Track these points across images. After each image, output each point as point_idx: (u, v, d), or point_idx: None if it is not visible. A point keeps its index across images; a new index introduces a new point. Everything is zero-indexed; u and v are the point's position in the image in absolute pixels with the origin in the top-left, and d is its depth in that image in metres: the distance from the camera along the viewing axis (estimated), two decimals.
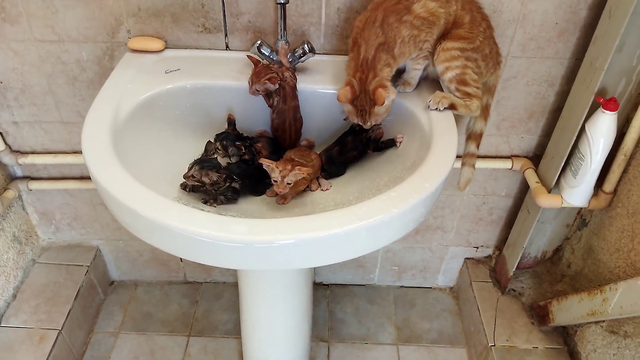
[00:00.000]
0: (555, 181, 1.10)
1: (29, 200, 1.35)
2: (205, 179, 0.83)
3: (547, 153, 1.13)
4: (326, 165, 0.95)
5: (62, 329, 1.29)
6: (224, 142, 0.90)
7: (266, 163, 0.83)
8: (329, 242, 0.69)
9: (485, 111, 1.00)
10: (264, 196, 0.93)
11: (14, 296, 1.35)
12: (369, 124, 0.87)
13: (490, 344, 1.29)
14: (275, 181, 0.83)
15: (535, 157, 1.21)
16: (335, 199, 0.90)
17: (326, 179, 0.95)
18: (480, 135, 1.02)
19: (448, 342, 1.46)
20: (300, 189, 0.90)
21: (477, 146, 1.02)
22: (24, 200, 1.35)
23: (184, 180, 0.84)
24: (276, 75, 0.89)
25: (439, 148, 0.81)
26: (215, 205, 0.86)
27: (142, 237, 0.75)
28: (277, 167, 0.82)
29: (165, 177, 0.88)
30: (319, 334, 1.47)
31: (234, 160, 0.92)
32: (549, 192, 1.11)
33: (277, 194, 0.92)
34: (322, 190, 0.93)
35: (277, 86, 0.89)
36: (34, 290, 1.37)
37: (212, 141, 0.91)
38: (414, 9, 0.85)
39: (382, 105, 0.83)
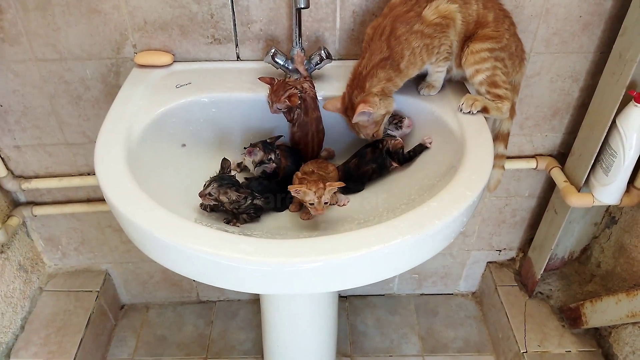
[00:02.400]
0: (584, 179, 1.06)
1: (34, 227, 1.29)
2: (224, 198, 0.78)
3: (574, 151, 1.09)
4: (343, 179, 0.89)
5: (74, 359, 1.23)
6: (268, 148, 0.85)
7: (295, 189, 0.78)
8: (368, 261, 0.64)
9: (511, 110, 0.95)
10: (286, 212, 0.88)
11: (22, 328, 1.29)
12: (362, 136, 0.87)
13: (522, 351, 1.24)
14: (312, 204, 0.77)
15: (560, 156, 1.17)
16: (364, 211, 0.85)
17: (343, 194, 0.90)
18: (508, 135, 0.98)
19: (475, 350, 1.41)
20: (311, 212, 0.85)
21: (505, 146, 0.98)
22: (28, 226, 1.29)
23: (200, 198, 0.79)
24: (295, 92, 0.84)
25: (475, 152, 0.76)
26: (238, 225, 0.81)
27: (166, 264, 0.70)
28: (309, 190, 0.77)
29: (182, 197, 0.83)
30: (341, 349, 1.42)
31: (256, 173, 0.87)
32: (579, 190, 1.07)
33: (300, 209, 0.88)
34: (338, 205, 0.88)
35: (298, 104, 0.85)
36: (43, 320, 1.31)
37: (227, 158, 0.86)
38: (425, 15, 0.81)
39: (353, 119, 0.82)
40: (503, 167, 1.00)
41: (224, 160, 0.83)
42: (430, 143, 0.86)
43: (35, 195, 1.22)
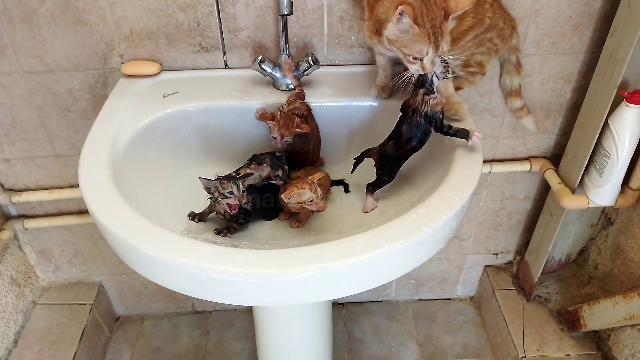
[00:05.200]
0: (578, 181, 1.05)
1: (26, 240, 1.28)
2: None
3: (568, 152, 1.08)
4: (379, 165, 0.82)
5: None
6: (277, 163, 0.83)
7: (289, 195, 0.76)
8: (356, 270, 0.63)
9: (518, 66, 0.99)
10: (274, 221, 0.86)
11: (15, 342, 1.27)
12: (440, 49, 0.71)
13: (521, 355, 1.23)
14: (311, 201, 0.77)
15: (554, 157, 1.16)
16: (355, 218, 0.84)
17: (378, 186, 0.84)
18: (519, 89, 1.02)
19: (474, 356, 1.40)
20: (313, 209, 0.84)
21: (521, 98, 1.03)
22: (20, 240, 1.28)
23: (238, 204, 0.76)
24: (300, 119, 0.84)
25: (464, 157, 0.75)
26: (229, 235, 0.80)
27: (153, 279, 0.68)
28: (303, 189, 0.76)
29: (170, 209, 0.82)
30: (339, 357, 1.40)
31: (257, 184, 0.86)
32: (573, 192, 1.06)
33: (289, 217, 0.86)
34: (365, 211, 0.85)
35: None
36: (37, 334, 1.30)
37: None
38: None
39: (456, 12, 0.70)
40: (529, 112, 1.06)
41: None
42: (472, 142, 0.76)
43: (26, 208, 1.21)
